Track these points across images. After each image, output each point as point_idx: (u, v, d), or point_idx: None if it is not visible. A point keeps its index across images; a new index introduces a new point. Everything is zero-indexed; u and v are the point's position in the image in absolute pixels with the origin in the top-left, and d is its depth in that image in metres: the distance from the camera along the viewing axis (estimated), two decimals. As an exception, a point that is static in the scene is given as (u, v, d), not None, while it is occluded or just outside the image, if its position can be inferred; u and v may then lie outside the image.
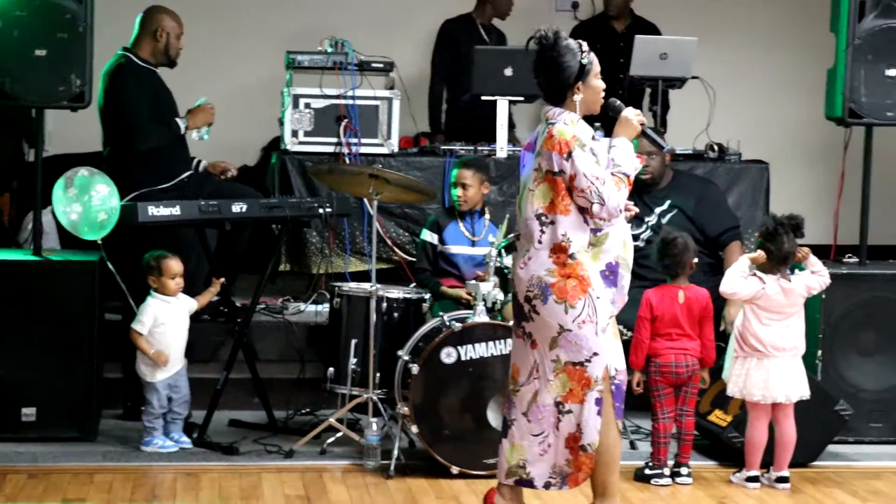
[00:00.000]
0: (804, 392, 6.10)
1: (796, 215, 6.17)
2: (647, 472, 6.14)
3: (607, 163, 5.05)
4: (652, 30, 9.06)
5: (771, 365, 6.05)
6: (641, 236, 7.24)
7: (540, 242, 5.03)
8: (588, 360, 5.01)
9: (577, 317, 4.99)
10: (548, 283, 5.00)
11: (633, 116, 5.17)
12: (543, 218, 5.03)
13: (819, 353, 6.76)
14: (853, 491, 6.11)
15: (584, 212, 5.00)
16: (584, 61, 5.06)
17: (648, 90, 8.59)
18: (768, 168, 8.19)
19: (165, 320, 6.41)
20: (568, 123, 5.03)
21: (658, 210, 7.28)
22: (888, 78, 6.87)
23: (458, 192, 6.95)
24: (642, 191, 7.21)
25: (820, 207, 8.65)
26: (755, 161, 8.28)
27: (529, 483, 5.14)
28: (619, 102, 5.30)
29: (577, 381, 5.02)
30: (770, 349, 6.06)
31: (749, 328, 6.09)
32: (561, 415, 5.04)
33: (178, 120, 7.14)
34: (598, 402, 5.03)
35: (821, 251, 7.22)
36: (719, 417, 6.45)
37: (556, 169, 4.99)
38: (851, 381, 6.83)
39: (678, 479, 6.14)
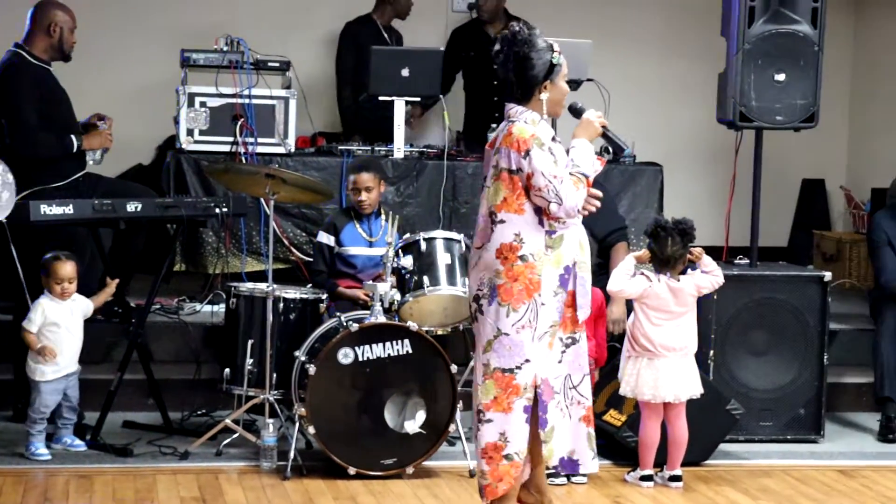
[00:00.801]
0: (695, 391, 6.18)
1: (685, 220, 6.22)
2: (543, 471, 6.19)
3: (566, 164, 5.04)
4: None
5: (661, 364, 6.12)
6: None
7: (489, 241, 5.03)
8: (519, 367, 5.00)
9: (518, 321, 4.98)
10: (496, 284, 5.00)
11: (594, 118, 5.17)
12: (494, 216, 5.02)
13: (711, 352, 6.86)
14: (744, 489, 6.21)
15: (540, 212, 4.98)
16: (555, 61, 5.05)
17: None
18: (662, 170, 8.30)
19: (57, 320, 6.30)
20: (528, 122, 5.02)
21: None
22: (777, 82, 6.97)
23: (362, 196, 6.92)
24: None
25: (712, 209, 8.78)
26: (649, 163, 8.38)
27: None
28: (580, 104, 5.30)
29: (503, 388, 5.01)
30: (660, 349, 6.13)
31: (639, 328, 6.16)
32: (480, 423, 5.04)
33: (73, 137, 6.99)
34: (527, 409, 5.02)
35: (713, 252, 7.32)
36: (614, 417, 6.53)
37: (514, 167, 4.97)
38: (742, 381, 6.94)
39: (574, 479, 6.19)
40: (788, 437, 7.00)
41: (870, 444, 7.06)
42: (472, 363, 5.15)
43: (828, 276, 7.04)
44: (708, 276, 6.27)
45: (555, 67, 5.05)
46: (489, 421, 5.01)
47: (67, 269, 6.31)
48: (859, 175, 10.56)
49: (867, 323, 7.80)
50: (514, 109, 5.07)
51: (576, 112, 5.26)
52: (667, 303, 6.15)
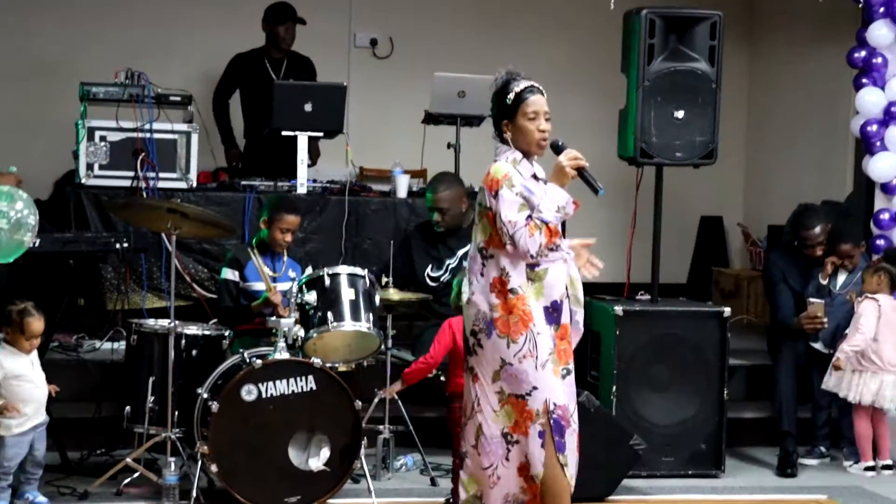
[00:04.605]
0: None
1: None
2: (449, 509, 6.17)
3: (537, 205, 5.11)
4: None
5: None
6: (441, 278, 7.46)
7: (482, 275, 5.15)
8: (528, 394, 5.11)
9: (518, 351, 5.10)
10: (492, 318, 5.11)
11: (566, 162, 5.19)
12: (484, 251, 5.16)
13: (614, 388, 6.90)
14: (647, 523, 6.25)
15: None
16: (509, 100, 5.18)
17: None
18: (564, 206, 8.32)
19: (20, 372, 5.97)
20: (508, 162, 5.14)
21: (460, 252, 7.41)
22: (676, 119, 7.05)
23: (289, 238, 6.93)
24: (446, 235, 7.46)
25: (614, 245, 8.82)
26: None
27: None
28: (562, 142, 5.29)
29: (520, 412, 5.13)
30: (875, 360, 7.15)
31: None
32: (510, 445, 5.15)
33: None
34: (541, 434, 5.11)
35: (614, 289, 7.40)
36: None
37: (487, 205, 5.11)
38: (645, 416, 6.98)
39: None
40: (690, 472, 7.04)
41: (769, 479, 7.13)
42: (475, 397, 5.18)
43: (727, 311, 7.11)
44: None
45: (509, 107, 5.17)
46: (517, 442, 5.16)
47: (40, 325, 6.01)
48: (756, 212, 10.72)
49: (765, 358, 7.89)
50: (498, 148, 5.23)
51: (556, 149, 5.27)
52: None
